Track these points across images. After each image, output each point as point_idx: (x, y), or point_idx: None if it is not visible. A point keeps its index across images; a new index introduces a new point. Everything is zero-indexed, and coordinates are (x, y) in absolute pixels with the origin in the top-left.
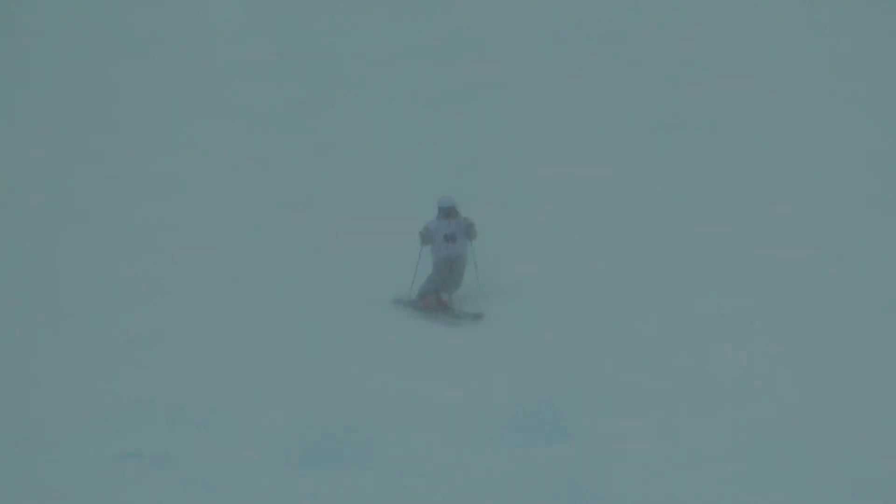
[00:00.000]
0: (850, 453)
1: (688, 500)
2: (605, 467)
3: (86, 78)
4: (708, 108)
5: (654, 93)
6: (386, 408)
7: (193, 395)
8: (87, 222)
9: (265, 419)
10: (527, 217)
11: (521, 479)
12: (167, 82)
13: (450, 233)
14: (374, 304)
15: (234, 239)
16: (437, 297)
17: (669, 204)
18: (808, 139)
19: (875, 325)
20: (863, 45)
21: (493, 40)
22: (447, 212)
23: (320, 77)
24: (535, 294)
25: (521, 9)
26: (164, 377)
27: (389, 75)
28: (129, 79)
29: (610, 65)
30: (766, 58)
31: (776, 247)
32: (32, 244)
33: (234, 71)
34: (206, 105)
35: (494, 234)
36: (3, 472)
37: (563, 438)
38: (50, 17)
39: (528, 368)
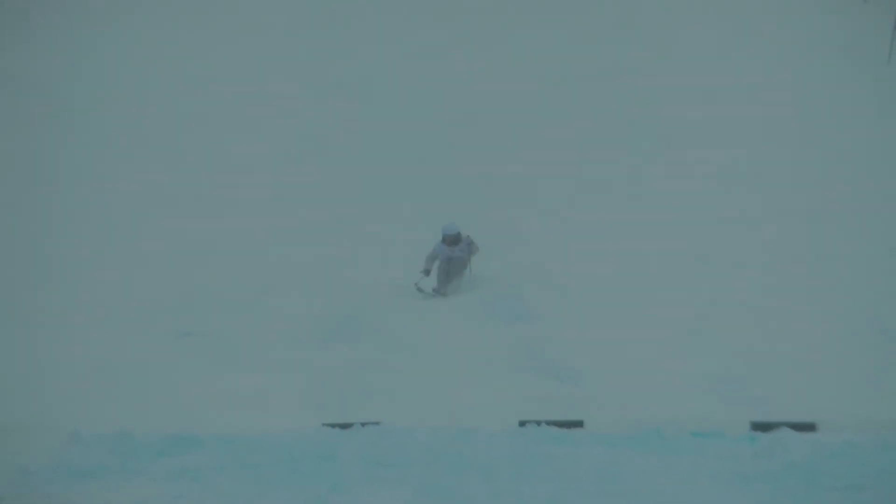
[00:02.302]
0: (757, 331)
1: (620, 359)
2: (557, 339)
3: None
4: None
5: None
6: (382, 297)
7: (233, 287)
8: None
9: (289, 305)
10: (503, 167)
11: (490, 349)
12: (240, 81)
13: (453, 257)
14: (378, 223)
15: (268, 176)
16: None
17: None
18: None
19: (765, 228)
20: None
21: (497, 68)
22: (451, 239)
23: (356, 83)
24: (506, 218)
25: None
26: (211, 273)
27: (407, 83)
28: (211, 77)
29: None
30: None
31: (690, 169)
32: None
33: (288, 76)
34: (263, 104)
35: (477, 176)
36: (91, 343)
37: (524, 319)
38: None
39: (497, 270)
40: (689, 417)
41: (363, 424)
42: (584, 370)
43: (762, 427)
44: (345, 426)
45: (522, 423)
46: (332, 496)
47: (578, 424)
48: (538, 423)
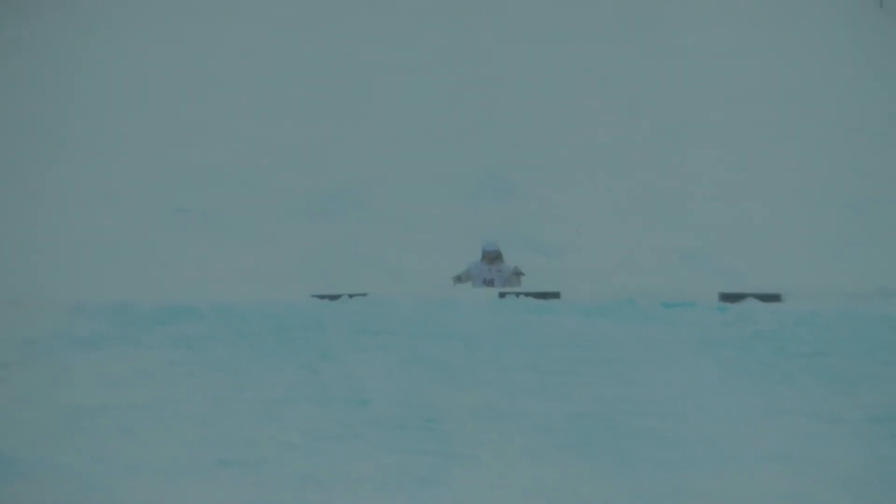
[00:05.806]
0: (726, 205)
1: (596, 233)
2: (537, 215)
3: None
4: None
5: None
6: (372, 173)
7: (228, 164)
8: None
9: (282, 181)
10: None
11: (475, 225)
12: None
13: (489, 278)
14: (372, 99)
15: (263, 54)
16: None
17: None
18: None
19: (733, 106)
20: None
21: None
22: (491, 256)
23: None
24: (487, 92)
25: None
26: (206, 149)
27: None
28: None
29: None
30: None
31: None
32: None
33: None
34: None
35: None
36: (92, 218)
37: (506, 196)
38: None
39: (481, 146)
40: (661, 288)
41: (351, 295)
42: (562, 244)
43: (730, 298)
44: (333, 297)
45: (502, 295)
46: (321, 364)
47: (555, 295)
48: (517, 294)
